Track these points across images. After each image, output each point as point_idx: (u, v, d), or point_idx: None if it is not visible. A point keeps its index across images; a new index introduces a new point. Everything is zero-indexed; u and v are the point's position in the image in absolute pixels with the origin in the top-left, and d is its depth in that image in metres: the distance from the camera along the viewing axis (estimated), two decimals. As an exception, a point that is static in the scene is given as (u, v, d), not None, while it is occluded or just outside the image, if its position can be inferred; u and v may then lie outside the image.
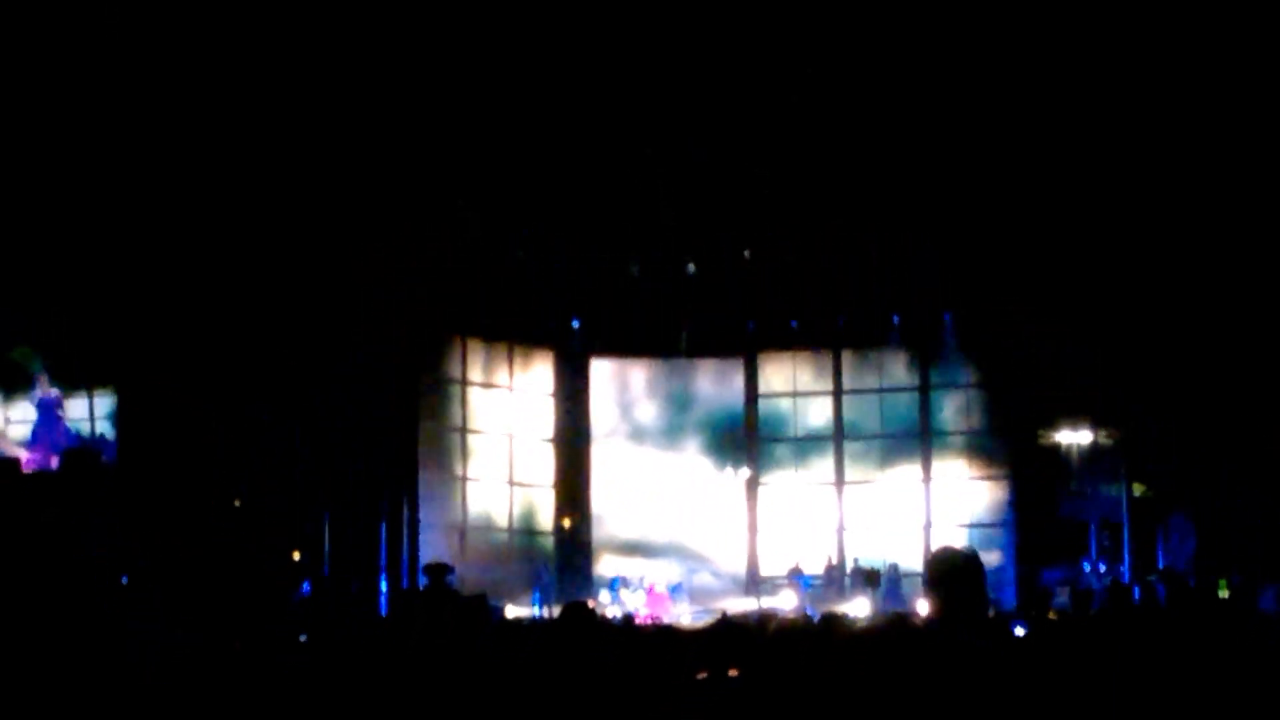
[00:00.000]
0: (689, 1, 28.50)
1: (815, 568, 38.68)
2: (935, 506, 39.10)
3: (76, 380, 33.27)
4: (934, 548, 36.36)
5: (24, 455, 32.47)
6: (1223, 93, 29.81)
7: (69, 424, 33.22)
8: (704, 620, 28.72)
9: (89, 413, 33.59)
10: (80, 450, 30.04)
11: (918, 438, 39.61)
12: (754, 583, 39.08)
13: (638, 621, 29.71)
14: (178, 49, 28.94)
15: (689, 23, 29.22)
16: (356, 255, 32.62)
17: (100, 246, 31.56)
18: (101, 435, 33.50)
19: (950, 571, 7.56)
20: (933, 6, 28.55)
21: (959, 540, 35.92)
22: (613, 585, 37.44)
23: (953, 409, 39.30)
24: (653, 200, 35.21)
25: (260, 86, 30.02)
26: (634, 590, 37.25)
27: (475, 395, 38.76)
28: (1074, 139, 32.03)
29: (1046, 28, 28.81)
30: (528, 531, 39.49)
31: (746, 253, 37.90)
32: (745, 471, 40.34)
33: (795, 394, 40.69)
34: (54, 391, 32.81)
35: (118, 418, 33.10)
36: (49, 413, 32.82)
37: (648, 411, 40.90)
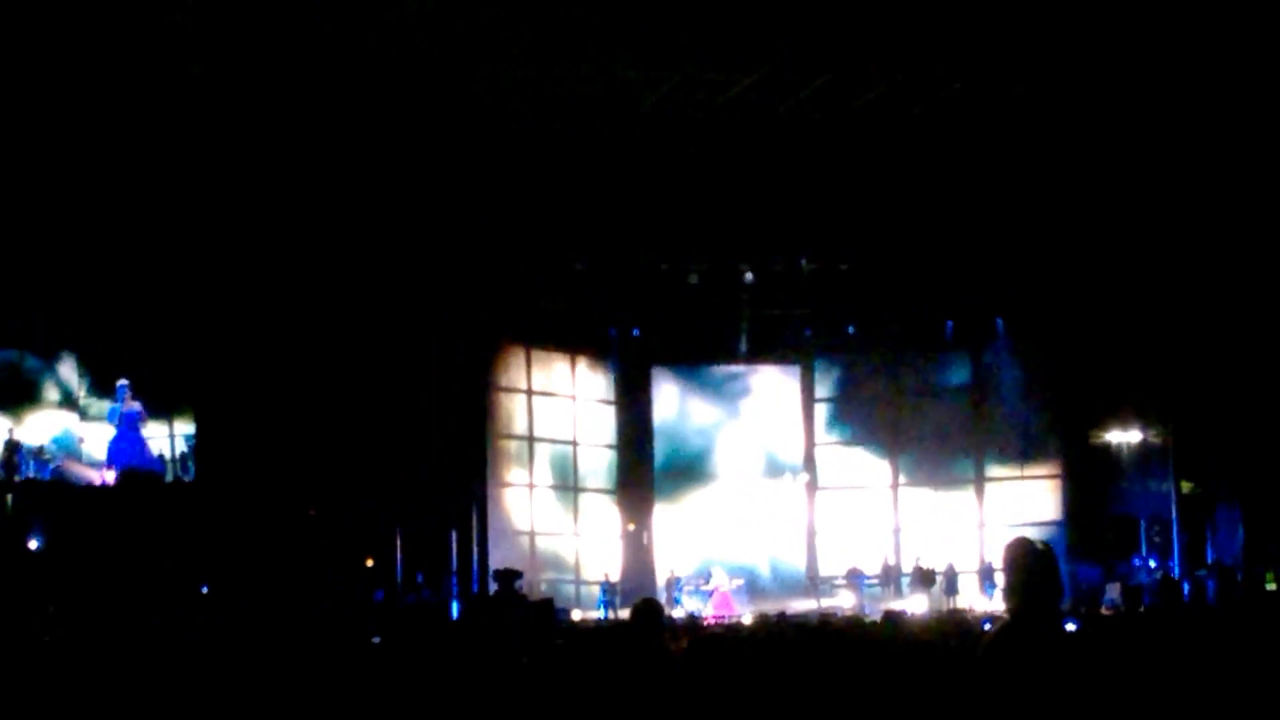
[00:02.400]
0: (740, 16, 28.74)
1: (872, 568, 39.07)
2: (989, 506, 39.43)
3: (158, 399, 33.61)
4: (988, 546, 36.79)
5: (102, 472, 32.91)
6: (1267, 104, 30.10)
7: (149, 440, 33.40)
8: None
9: (169, 429, 33.92)
10: (138, 471, 30.58)
11: (971, 438, 39.93)
12: (813, 583, 39.40)
13: (706, 622, 30.36)
14: (254, 89, 29.57)
15: (740, 34, 29.56)
16: (423, 272, 33.22)
17: (179, 273, 32.15)
18: (182, 454, 33.76)
19: (1028, 561, 7.59)
20: (977, 27, 28.81)
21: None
22: (676, 586, 37.90)
23: (1005, 411, 39.57)
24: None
25: (327, 117, 30.60)
26: (701, 592, 37.70)
27: (540, 404, 39.26)
28: (1120, 146, 32.33)
29: (1099, 43, 29.09)
30: (593, 536, 39.88)
31: (804, 262, 38.27)
32: (804, 475, 40.72)
33: (848, 397, 41.07)
34: (136, 405, 33.02)
35: (197, 432, 33.50)
36: (130, 428, 33.02)
37: (707, 417, 41.30)
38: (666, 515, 40.70)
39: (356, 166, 31.85)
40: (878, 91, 32.18)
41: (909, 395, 40.71)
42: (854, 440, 41.18)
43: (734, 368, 41.18)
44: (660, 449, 41.15)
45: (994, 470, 39.75)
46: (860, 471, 40.99)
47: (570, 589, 38.17)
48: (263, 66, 29.14)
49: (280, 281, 32.38)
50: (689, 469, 41.11)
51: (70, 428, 33.32)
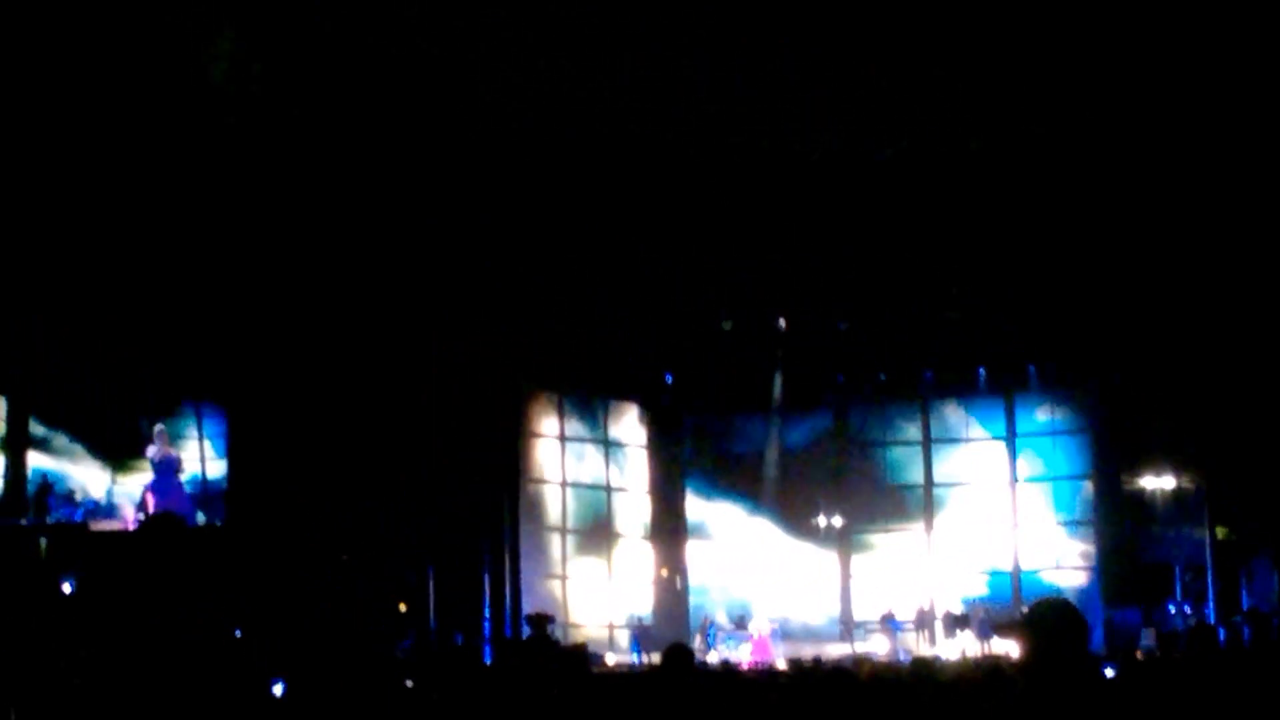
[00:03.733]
0: (774, 68, 28.90)
1: (906, 613, 38.99)
2: (1023, 550, 39.36)
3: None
4: (1023, 591, 36.77)
5: (134, 515, 33.01)
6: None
7: (185, 486, 33.50)
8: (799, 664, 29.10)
9: (201, 472, 34.06)
10: (163, 516, 30.63)
11: (1005, 485, 39.87)
12: (847, 628, 39.36)
13: (743, 667, 30.31)
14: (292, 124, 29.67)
15: (771, 91, 29.71)
16: (456, 317, 33.31)
17: (212, 313, 32.29)
18: (214, 497, 33.89)
19: (1055, 623, 7.45)
20: (1004, 78, 28.91)
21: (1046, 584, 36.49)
22: (710, 631, 37.86)
23: (1038, 457, 39.58)
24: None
25: (367, 157, 30.75)
26: (735, 637, 37.61)
27: (572, 449, 39.30)
28: (1153, 192, 32.32)
29: (1133, 84, 29.12)
30: (625, 580, 39.89)
31: (843, 326, 38.37)
32: (838, 520, 40.68)
33: (885, 443, 41.03)
34: (172, 452, 33.09)
35: (229, 476, 33.64)
36: (166, 473, 33.08)
37: (740, 463, 41.31)
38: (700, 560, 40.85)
39: (396, 212, 32.01)
40: (909, 141, 32.29)
41: (942, 441, 40.70)
42: (886, 485, 41.13)
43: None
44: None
45: (1027, 516, 39.65)
46: (892, 516, 40.95)
47: (603, 634, 38.17)
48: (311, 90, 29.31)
49: (312, 328, 32.49)
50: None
51: (38, 465, 33.48)
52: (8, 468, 33.03)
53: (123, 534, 32.23)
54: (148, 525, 31.34)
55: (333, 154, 30.61)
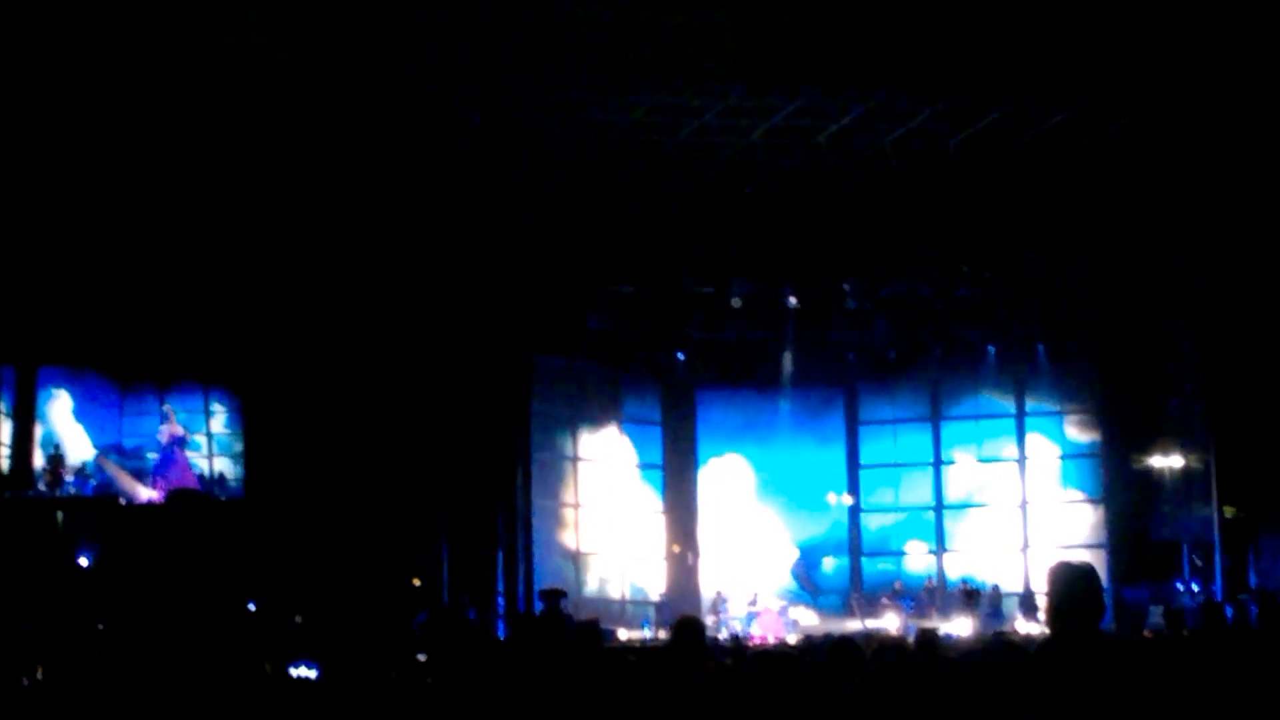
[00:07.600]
0: (779, 49, 28.89)
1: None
2: (1032, 528, 39.50)
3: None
4: (1031, 569, 36.91)
5: (145, 492, 33.17)
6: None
7: (192, 462, 33.66)
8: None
9: (209, 450, 34.19)
10: (187, 491, 30.92)
11: (1014, 462, 40.04)
12: (857, 603, 39.53)
13: (752, 641, 30.45)
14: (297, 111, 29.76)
15: (780, 66, 29.73)
16: (467, 292, 33.37)
17: (225, 289, 32.38)
18: (221, 474, 34.10)
19: (1069, 584, 7.69)
20: (1017, 53, 28.91)
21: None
22: (720, 607, 38.01)
23: (1047, 435, 39.73)
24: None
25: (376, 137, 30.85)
26: (744, 614, 37.76)
27: (585, 425, 39.53)
28: (1159, 166, 32.36)
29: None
30: (638, 557, 40.04)
31: (846, 285, 38.32)
32: (847, 497, 40.90)
33: (895, 421, 41.21)
34: (180, 429, 33.30)
35: (244, 453, 33.79)
36: (173, 450, 33.28)
37: (751, 439, 41.47)
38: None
39: (406, 187, 32.06)
40: (917, 119, 32.36)
41: (951, 418, 40.84)
42: (897, 462, 41.35)
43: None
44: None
45: (1037, 493, 39.83)
46: (903, 494, 41.16)
47: (616, 608, 38.32)
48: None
49: (321, 305, 32.58)
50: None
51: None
52: (15, 440, 33.15)
53: (141, 508, 32.47)
54: (171, 500, 31.49)
55: (334, 146, 30.72)
